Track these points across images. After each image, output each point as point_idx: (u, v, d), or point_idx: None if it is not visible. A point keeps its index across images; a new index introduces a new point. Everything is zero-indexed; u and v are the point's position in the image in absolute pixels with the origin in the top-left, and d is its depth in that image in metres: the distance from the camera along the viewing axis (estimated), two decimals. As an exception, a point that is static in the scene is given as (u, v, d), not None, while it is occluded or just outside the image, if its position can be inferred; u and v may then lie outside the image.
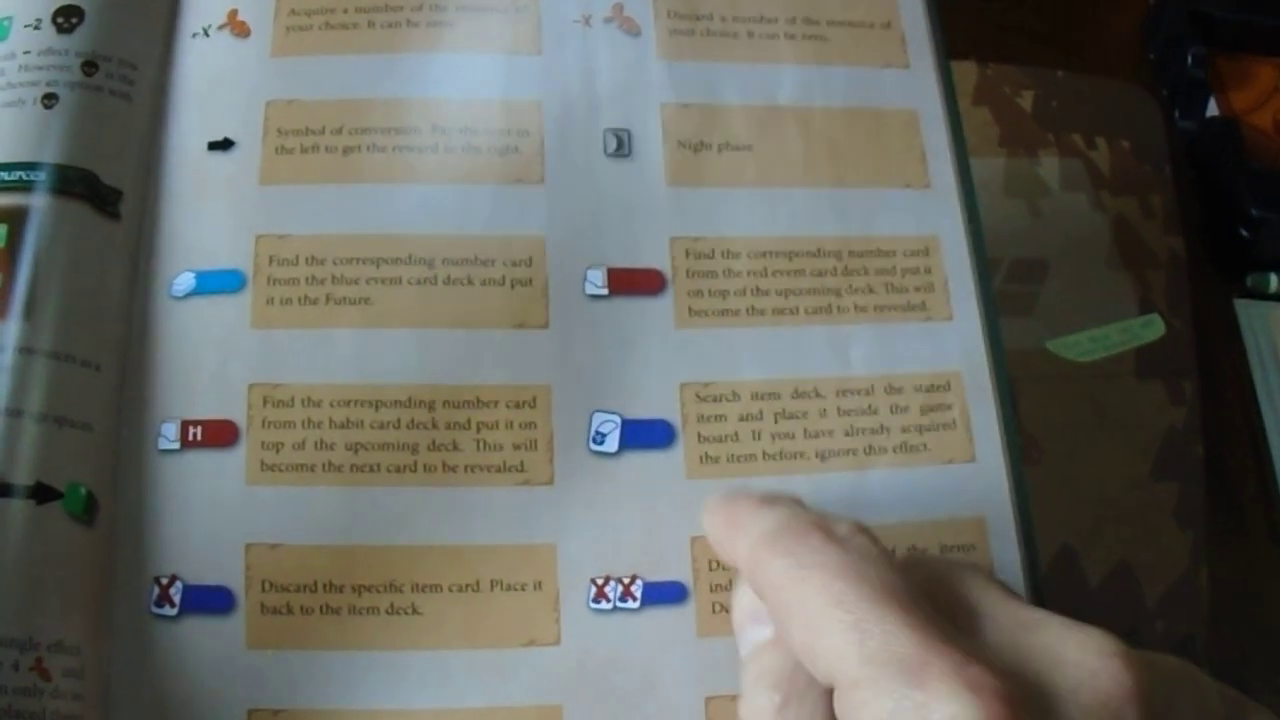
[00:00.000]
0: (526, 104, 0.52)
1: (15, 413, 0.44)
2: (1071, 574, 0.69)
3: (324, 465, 0.46)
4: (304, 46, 0.52)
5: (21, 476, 0.44)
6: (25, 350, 0.45)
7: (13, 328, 0.45)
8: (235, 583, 0.45)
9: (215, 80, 0.52)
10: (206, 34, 0.52)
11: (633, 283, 0.50)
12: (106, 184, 0.49)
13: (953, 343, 0.51)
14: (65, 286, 0.47)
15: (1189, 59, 0.84)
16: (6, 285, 0.46)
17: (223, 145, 0.50)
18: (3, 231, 0.47)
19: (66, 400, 0.45)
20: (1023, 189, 0.80)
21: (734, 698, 0.44)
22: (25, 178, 0.47)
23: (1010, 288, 0.76)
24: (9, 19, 0.50)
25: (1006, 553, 0.49)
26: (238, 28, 0.52)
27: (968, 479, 0.49)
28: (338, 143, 0.51)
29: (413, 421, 0.47)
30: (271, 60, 0.52)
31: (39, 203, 0.47)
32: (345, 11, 0.53)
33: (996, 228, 0.74)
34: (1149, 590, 0.70)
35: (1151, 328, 0.77)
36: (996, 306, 0.52)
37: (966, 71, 0.85)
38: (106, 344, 0.47)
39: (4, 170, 0.47)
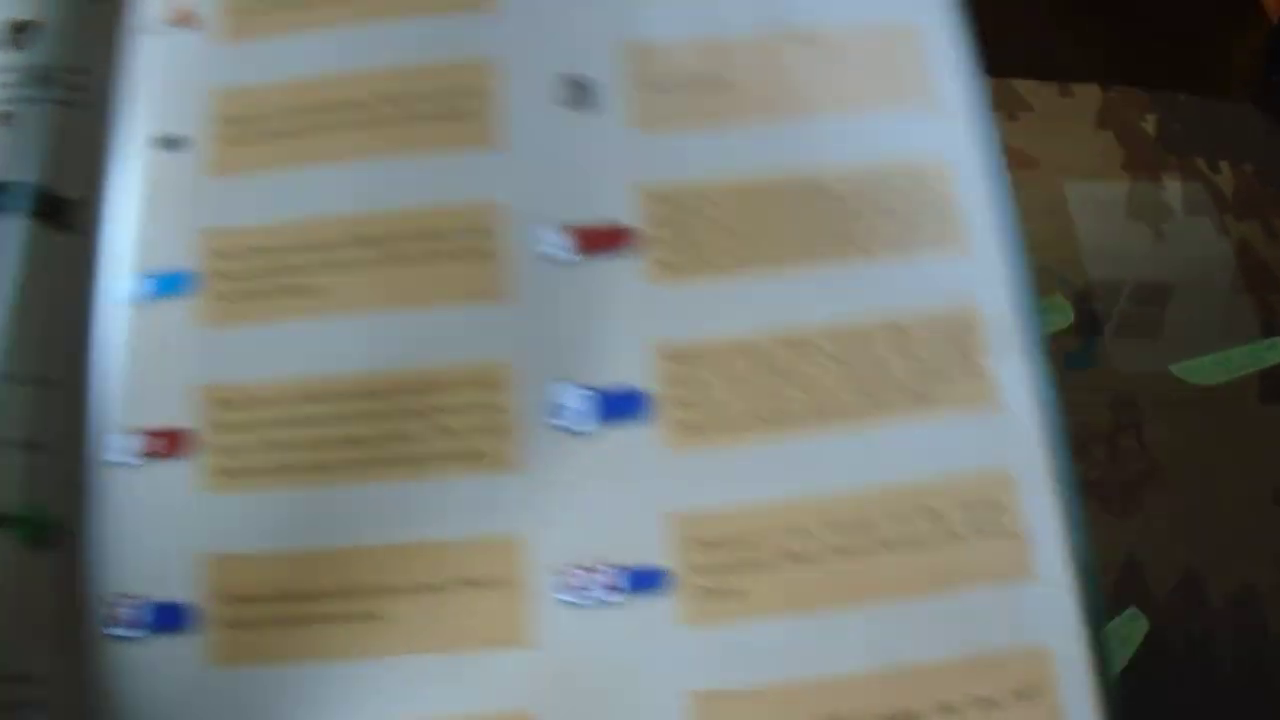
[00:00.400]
0: (476, 63, 0.50)
1: None
2: (1195, 600, 0.68)
3: (279, 467, 0.46)
4: (252, 30, 0.51)
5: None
6: None
7: None
8: (193, 598, 0.45)
9: (163, 75, 0.51)
10: (155, 29, 0.52)
11: (599, 241, 0.48)
12: (61, 196, 0.49)
13: (969, 277, 0.48)
14: (18, 306, 0.47)
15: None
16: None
17: (170, 142, 0.50)
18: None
19: (23, 422, 0.46)
20: (1146, 212, 0.80)
21: (720, 693, 0.43)
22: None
23: (1134, 310, 0.76)
24: None
25: (1039, 507, 0.46)
26: (185, 19, 0.52)
27: (989, 428, 0.46)
28: (285, 126, 0.50)
29: (369, 413, 0.46)
30: (219, 48, 0.51)
31: None
32: None
33: (1120, 251, 0.74)
34: (1274, 617, 0.68)
35: (1276, 351, 0.76)
36: (1021, 236, 0.48)
37: (1089, 95, 0.84)
38: (62, 359, 0.47)
39: None
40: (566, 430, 0.46)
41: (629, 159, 0.49)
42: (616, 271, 0.47)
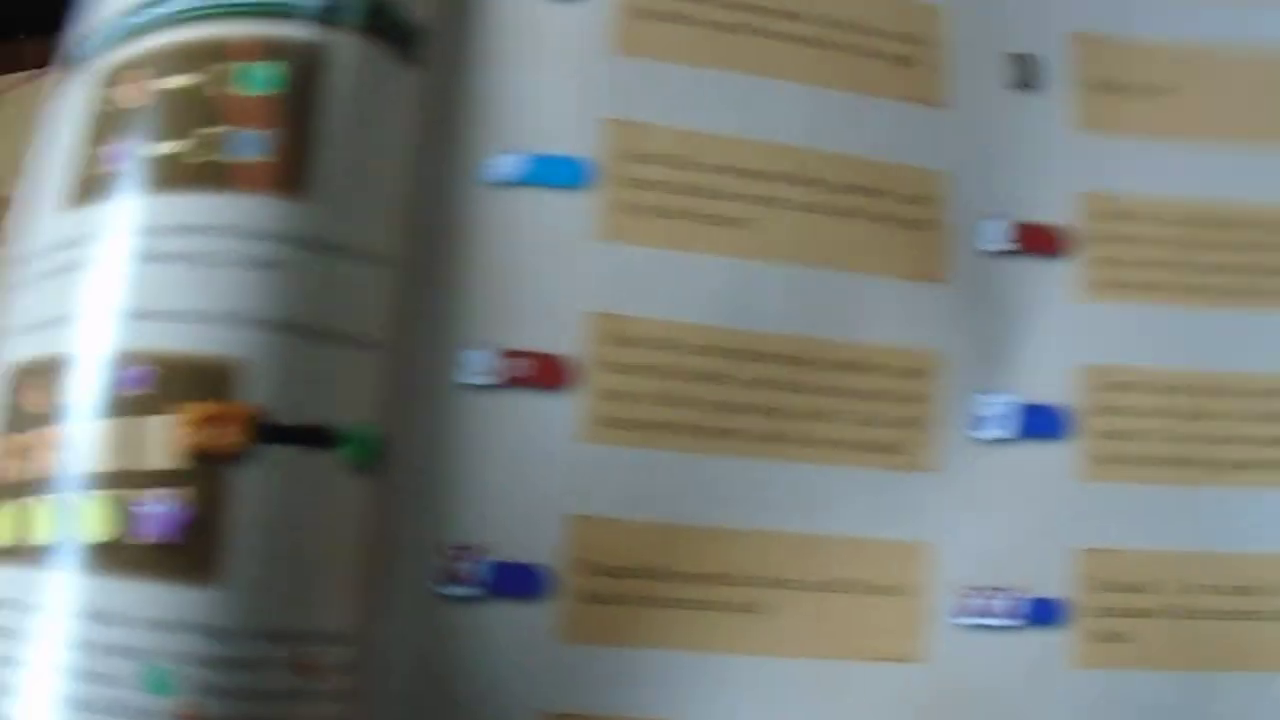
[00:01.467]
0: (923, 7, 0.44)
1: (286, 327, 0.34)
2: None
3: (670, 424, 0.39)
4: None
5: (291, 414, 0.34)
6: (299, 240, 0.35)
7: (286, 209, 0.35)
8: (548, 561, 0.38)
9: None
10: None
11: (1036, 241, 0.43)
12: (407, 18, 0.38)
13: None
14: (355, 152, 0.36)
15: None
16: (284, 150, 0.35)
17: None
18: (281, 72, 0.36)
19: (351, 310, 0.36)
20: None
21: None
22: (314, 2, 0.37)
23: None
24: None
25: None
26: None
27: None
28: (711, 14, 0.42)
29: (779, 380, 0.40)
30: None
31: (330, 39, 0.37)
32: None
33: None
34: None
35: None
36: None
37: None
38: (403, 235, 0.38)
39: None
40: (984, 438, 0.41)
41: (1072, 158, 0.44)
42: (1051, 277, 0.43)
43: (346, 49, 0.37)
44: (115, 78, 0.37)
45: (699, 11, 0.41)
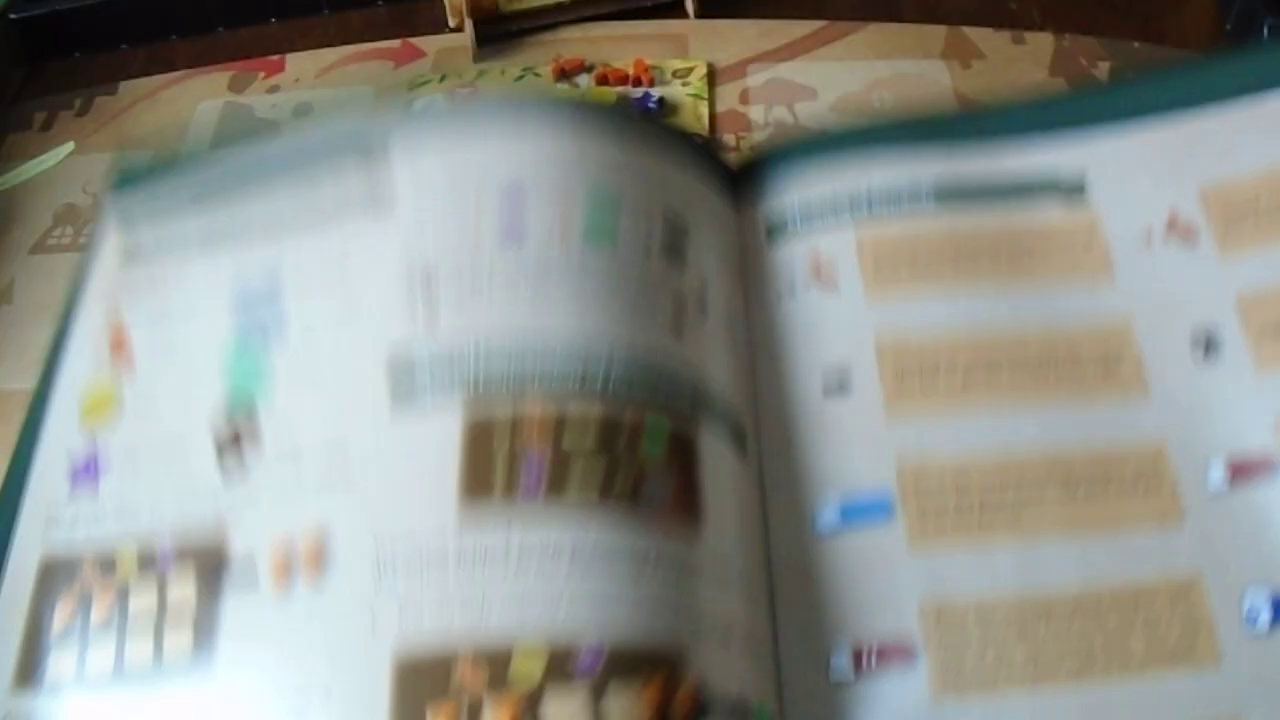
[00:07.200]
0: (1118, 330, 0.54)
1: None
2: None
3: (1006, 677, 0.47)
4: (896, 291, 0.55)
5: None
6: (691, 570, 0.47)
7: (691, 548, 0.47)
8: None
9: (814, 330, 0.55)
10: (793, 294, 0.56)
11: (1244, 470, 0.50)
12: (742, 426, 0.52)
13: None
14: (726, 509, 0.49)
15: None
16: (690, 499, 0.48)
17: (838, 389, 0.53)
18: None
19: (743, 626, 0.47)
20: (1098, 162, 0.79)
21: None
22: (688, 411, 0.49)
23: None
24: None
25: None
26: (824, 277, 0.55)
27: None
28: (955, 381, 0.53)
29: (1083, 627, 0.47)
30: (868, 306, 0.54)
31: (700, 435, 0.49)
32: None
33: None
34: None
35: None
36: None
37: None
38: (761, 573, 0.49)
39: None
40: (1256, 631, 0.47)
41: (1262, 396, 0.51)
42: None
43: (712, 444, 0.50)
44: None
45: (944, 381, 0.53)
